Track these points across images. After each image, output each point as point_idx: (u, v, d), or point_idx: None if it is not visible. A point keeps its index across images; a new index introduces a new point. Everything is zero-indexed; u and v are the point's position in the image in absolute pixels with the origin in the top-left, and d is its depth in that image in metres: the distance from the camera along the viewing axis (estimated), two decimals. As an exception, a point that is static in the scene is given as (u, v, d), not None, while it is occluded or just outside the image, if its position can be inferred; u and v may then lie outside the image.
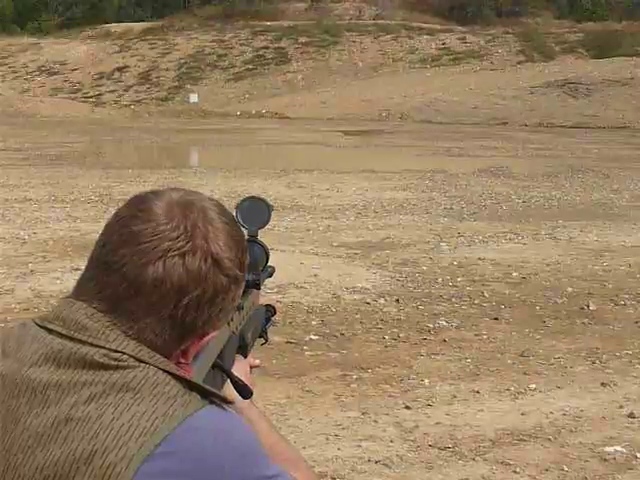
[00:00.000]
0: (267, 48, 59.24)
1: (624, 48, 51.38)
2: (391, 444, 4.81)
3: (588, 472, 4.51)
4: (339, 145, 27.93)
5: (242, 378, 1.40)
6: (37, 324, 1.20)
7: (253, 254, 1.63)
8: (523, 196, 15.36)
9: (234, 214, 1.63)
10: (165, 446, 1.10)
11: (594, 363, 6.26)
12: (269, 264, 1.74)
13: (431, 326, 7.12)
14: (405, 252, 10.16)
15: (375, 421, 5.13)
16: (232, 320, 1.46)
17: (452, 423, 5.12)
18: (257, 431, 1.38)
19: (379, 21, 62.89)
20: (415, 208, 13.76)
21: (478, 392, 5.64)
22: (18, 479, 1.12)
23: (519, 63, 53.84)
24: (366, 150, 26.51)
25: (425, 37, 58.99)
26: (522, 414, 5.28)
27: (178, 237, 1.17)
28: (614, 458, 4.67)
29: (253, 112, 44.07)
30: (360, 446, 4.78)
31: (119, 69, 58.67)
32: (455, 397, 5.55)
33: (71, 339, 1.16)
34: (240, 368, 1.47)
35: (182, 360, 1.22)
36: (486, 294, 8.17)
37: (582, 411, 5.33)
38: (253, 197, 1.70)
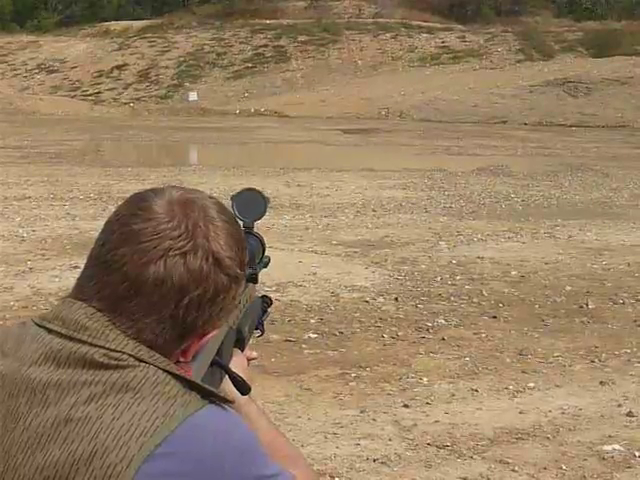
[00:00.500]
0: (266, 46, 59.21)
1: (623, 47, 51.38)
2: (389, 442, 4.82)
3: (587, 471, 4.51)
4: (338, 143, 27.93)
5: (240, 373, 1.39)
6: (36, 324, 1.20)
7: (249, 246, 1.62)
8: (522, 195, 15.36)
9: (230, 206, 1.63)
10: (165, 446, 1.10)
11: (593, 362, 6.27)
12: (265, 255, 1.74)
13: (430, 325, 7.12)
14: (404, 251, 10.16)
15: (374, 419, 5.13)
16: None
17: (451, 422, 5.12)
18: (256, 428, 1.38)
19: (378, 20, 62.86)
20: (414, 207, 13.76)
21: (477, 391, 5.64)
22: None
23: (518, 62, 53.83)
24: (365, 149, 26.51)
25: (424, 36, 58.98)
26: (521, 413, 5.28)
27: (179, 236, 1.16)
28: (612, 457, 4.68)
29: (252, 110, 44.06)
30: (359, 444, 4.78)
31: (118, 67, 58.64)
32: (454, 396, 5.55)
33: (71, 339, 1.15)
34: (238, 362, 1.47)
35: (182, 359, 1.22)
36: (485, 293, 8.17)
37: (581, 410, 5.33)
38: (249, 189, 1.69)
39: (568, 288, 8.41)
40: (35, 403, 1.14)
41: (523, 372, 6.02)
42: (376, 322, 7.19)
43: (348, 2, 67.82)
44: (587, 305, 7.76)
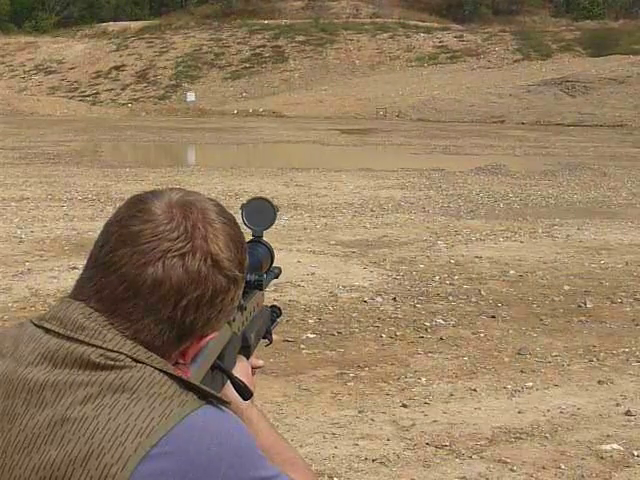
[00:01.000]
0: (264, 47, 59.24)
1: (621, 46, 51.43)
2: (388, 442, 4.82)
3: (585, 470, 4.51)
4: (336, 143, 27.94)
5: (243, 379, 1.39)
6: (34, 324, 1.20)
7: (257, 255, 1.62)
8: (520, 194, 15.37)
9: (240, 214, 1.63)
10: (162, 447, 1.09)
11: (591, 361, 6.27)
12: (275, 265, 1.73)
13: (428, 324, 7.12)
14: (402, 250, 10.16)
15: (372, 419, 5.14)
16: (234, 321, 1.45)
17: (449, 421, 5.12)
18: (256, 431, 1.38)
19: (376, 19, 62.90)
20: (412, 206, 13.77)
21: (475, 390, 5.64)
22: None
23: (516, 61, 53.87)
24: (363, 148, 26.52)
25: (422, 35, 59.00)
26: (519, 412, 5.28)
27: (178, 238, 1.16)
28: (611, 456, 4.68)
29: (250, 110, 44.07)
30: (357, 444, 4.78)
31: (116, 68, 58.64)
32: (452, 395, 5.56)
33: (68, 339, 1.15)
34: (242, 369, 1.47)
35: (181, 361, 1.22)
36: (483, 292, 8.17)
37: (579, 409, 5.34)
38: (259, 198, 1.69)
39: (566, 287, 8.42)
40: (32, 403, 1.13)
41: (521, 371, 6.02)
42: (374, 322, 7.19)
43: (346, 2, 67.86)
44: (585, 304, 7.76)
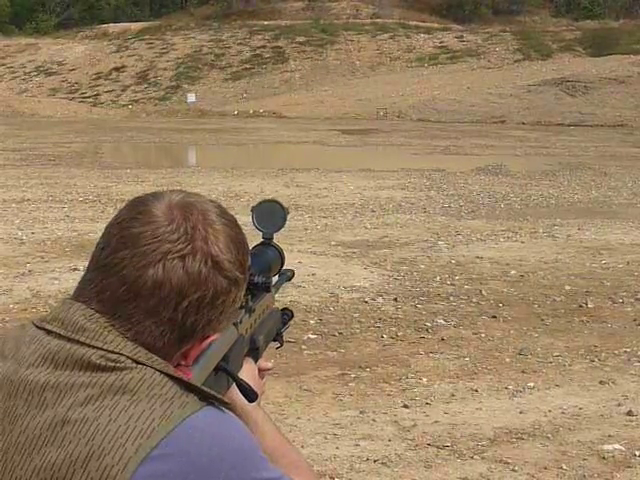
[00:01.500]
0: (264, 47, 59.25)
1: (621, 46, 51.42)
2: (389, 443, 4.82)
3: (587, 470, 4.51)
4: (337, 144, 27.94)
5: (249, 381, 1.39)
6: (36, 325, 1.20)
7: (267, 257, 1.62)
8: (521, 194, 15.37)
9: (250, 217, 1.63)
10: (162, 448, 1.09)
11: (592, 361, 6.27)
12: (288, 268, 1.73)
13: (429, 325, 7.12)
14: (403, 251, 10.16)
15: (373, 420, 5.13)
16: (241, 323, 1.45)
17: (450, 422, 5.12)
18: (262, 433, 1.38)
19: (376, 20, 62.90)
20: (413, 207, 13.77)
21: (476, 391, 5.64)
22: None
23: (516, 61, 53.87)
24: (364, 149, 26.52)
25: (422, 36, 59.00)
26: (520, 412, 5.28)
27: (178, 239, 1.16)
28: (613, 456, 4.68)
29: (251, 111, 44.08)
30: (358, 445, 4.78)
31: (117, 69, 58.66)
32: (453, 396, 5.55)
33: (69, 340, 1.15)
34: (248, 371, 1.46)
35: (183, 362, 1.21)
36: (484, 292, 8.17)
37: (580, 409, 5.33)
38: (269, 200, 1.68)
39: (567, 287, 8.41)
40: (32, 405, 1.13)
41: (523, 372, 6.02)
42: (375, 322, 7.19)
43: (346, 3, 67.89)
44: (586, 304, 7.76)
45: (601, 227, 11.84)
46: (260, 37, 60.34)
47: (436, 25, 60.90)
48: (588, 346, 6.62)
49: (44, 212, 12.80)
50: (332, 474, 4.45)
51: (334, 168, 19.54)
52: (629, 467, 4.57)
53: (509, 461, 4.58)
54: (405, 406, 5.35)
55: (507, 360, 6.27)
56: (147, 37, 62.24)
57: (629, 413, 5.25)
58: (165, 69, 57.88)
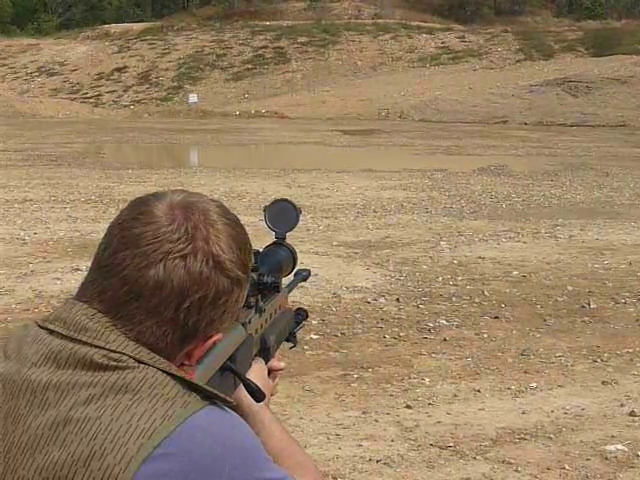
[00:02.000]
0: (266, 48, 59.26)
1: (623, 46, 51.40)
2: (392, 443, 4.81)
3: (589, 471, 4.50)
4: (339, 144, 27.94)
5: (257, 381, 1.39)
6: (38, 325, 1.20)
7: (278, 257, 1.61)
8: (523, 195, 15.36)
9: (263, 216, 1.63)
10: (164, 447, 1.09)
11: (595, 362, 6.26)
12: (304, 268, 1.72)
13: (431, 325, 7.11)
14: (405, 251, 10.16)
15: (376, 420, 5.13)
16: (249, 322, 1.44)
17: (453, 422, 5.11)
18: (268, 433, 1.38)
19: (378, 20, 62.91)
20: (415, 207, 13.76)
21: (479, 391, 5.64)
22: None
23: (518, 62, 53.86)
24: (365, 149, 26.52)
25: (424, 36, 59.00)
26: (523, 413, 5.27)
27: (179, 239, 1.16)
28: (615, 457, 4.67)
29: (252, 112, 44.08)
30: (361, 445, 4.78)
31: (118, 69, 58.69)
32: (456, 396, 5.55)
33: (71, 340, 1.15)
34: (256, 371, 1.46)
35: (186, 362, 1.21)
36: (486, 293, 8.17)
37: (583, 410, 5.33)
38: (281, 199, 1.68)
39: (569, 288, 8.41)
40: (35, 404, 1.13)
41: (525, 372, 6.01)
42: (378, 323, 7.19)
43: (347, 3, 67.90)
44: (589, 305, 7.75)
45: (603, 227, 11.83)
46: (262, 37, 60.36)
47: (438, 25, 60.89)
48: (590, 346, 6.61)
49: (46, 212, 12.81)
50: (335, 474, 4.44)
51: (336, 168, 19.54)
52: (632, 467, 4.56)
53: (512, 461, 4.58)
54: (408, 406, 5.35)
55: (509, 360, 6.26)
56: (149, 37, 62.28)
57: (632, 413, 5.24)
58: (167, 69, 57.91)
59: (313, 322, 7.16)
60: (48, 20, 70.60)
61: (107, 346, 1.14)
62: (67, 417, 1.11)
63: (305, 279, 1.75)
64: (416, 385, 5.74)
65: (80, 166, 19.90)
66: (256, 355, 1.49)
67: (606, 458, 4.65)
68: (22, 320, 6.85)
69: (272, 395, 1.57)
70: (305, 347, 6.50)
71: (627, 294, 8.18)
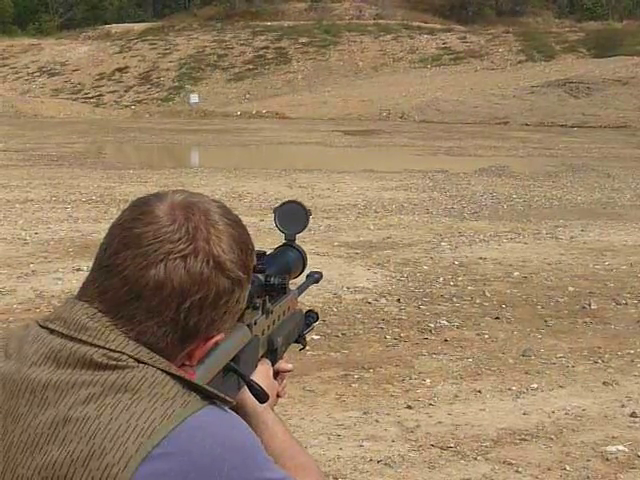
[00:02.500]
0: (267, 48, 59.25)
1: (625, 47, 51.38)
2: (393, 444, 4.81)
3: (590, 472, 4.50)
4: (340, 145, 27.93)
5: (261, 382, 1.39)
6: (39, 324, 1.20)
7: (287, 258, 1.61)
8: (524, 195, 15.35)
9: (273, 218, 1.62)
10: (163, 447, 1.09)
11: (596, 362, 6.26)
12: (316, 270, 1.72)
13: (432, 326, 7.11)
14: (406, 252, 10.15)
15: (377, 421, 5.13)
16: (255, 324, 1.43)
17: (454, 423, 5.11)
18: (271, 434, 1.38)
19: (379, 21, 62.90)
20: (416, 208, 13.76)
21: (480, 392, 5.63)
22: None
23: (519, 62, 53.84)
24: (366, 150, 26.52)
25: (425, 37, 58.98)
26: (524, 413, 5.27)
27: (180, 239, 1.16)
28: (616, 457, 4.67)
29: (253, 112, 44.07)
30: (362, 446, 4.78)
31: (120, 70, 58.69)
32: (457, 397, 5.55)
33: (71, 339, 1.15)
34: (261, 372, 1.46)
35: (187, 363, 1.21)
36: (487, 293, 8.17)
37: (584, 410, 5.33)
38: (291, 201, 1.67)
39: (570, 289, 8.40)
40: (34, 403, 1.13)
41: (526, 373, 6.01)
42: (378, 323, 7.19)
43: (349, 3, 67.89)
44: (590, 306, 7.75)
45: (604, 228, 11.83)
46: (263, 38, 60.35)
47: (439, 26, 60.86)
48: (591, 347, 6.61)
49: (47, 212, 12.81)
50: (336, 475, 4.44)
51: (337, 169, 19.53)
52: (633, 468, 4.56)
53: (512, 462, 4.58)
54: (408, 407, 5.35)
55: (510, 361, 6.26)
56: (150, 38, 62.26)
57: (633, 414, 5.24)
58: (168, 70, 57.91)
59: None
60: (49, 20, 70.60)
61: (107, 345, 1.14)
62: (66, 416, 1.11)
63: (317, 281, 1.75)
64: (417, 385, 5.74)
65: (81, 166, 19.90)
66: (263, 356, 1.48)
67: (607, 459, 4.65)
68: (23, 320, 6.85)
69: (279, 397, 1.57)
70: (306, 347, 6.49)
71: (628, 295, 8.18)
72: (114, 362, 1.13)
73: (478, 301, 7.90)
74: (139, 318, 1.15)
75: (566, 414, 5.26)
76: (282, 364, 1.57)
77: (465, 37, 58.50)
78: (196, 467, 1.09)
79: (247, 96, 52.61)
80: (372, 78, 52.98)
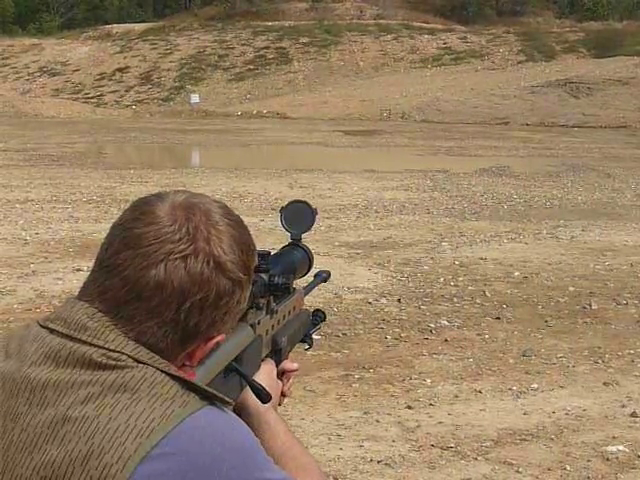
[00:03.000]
0: (268, 48, 59.26)
1: (625, 47, 51.39)
2: (393, 444, 4.81)
3: (590, 472, 4.50)
4: (340, 145, 27.94)
5: (264, 382, 1.38)
6: (40, 324, 1.20)
7: (292, 258, 1.60)
8: (524, 195, 15.36)
9: (279, 218, 1.62)
10: (162, 447, 1.09)
11: (596, 362, 6.26)
12: (324, 269, 1.71)
13: (433, 326, 7.11)
14: (407, 252, 10.15)
15: (377, 421, 5.13)
16: (259, 324, 1.43)
17: (454, 423, 5.11)
18: (273, 434, 1.38)
19: (380, 21, 62.89)
20: (416, 208, 13.76)
21: (480, 392, 5.63)
22: None
23: (520, 63, 53.84)
24: (367, 150, 26.52)
25: (426, 37, 58.98)
26: (524, 414, 5.27)
27: (180, 240, 1.15)
28: (616, 457, 4.67)
29: (254, 112, 44.08)
30: (362, 446, 4.78)
31: (120, 70, 58.70)
32: (457, 397, 5.55)
33: (71, 339, 1.15)
34: (264, 372, 1.45)
35: (187, 363, 1.21)
36: (488, 294, 8.17)
37: (584, 410, 5.33)
38: (297, 200, 1.67)
39: (571, 289, 8.40)
40: (34, 403, 1.13)
41: (526, 373, 6.01)
42: (379, 323, 7.19)
43: (350, 3, 67.90)
44: (590, 306, 7.75)
45: (605, 228, 11.83)
46: (264, 38, 60.36)
47: (440, 26, 60.88)
48: (592, 347, 6.61)
49: (48, 212, 12.81)
50: (336, 475, 4.44)
51: (338, 169, 19.54)
52: (633, 468, 4.56)
53: (513, 462, 4.58)
54: (409, 407, 5.35)
55: (511, 361, 6.26)
56: (151, 38, 62.28)
57: (633, 414, 5.24)
58: (169, 70, 57.92)
59: (314, 322, 7.16)
60: (50, 20, 70.61)
61: (106, 345, 1.14)
62: (65, 416, 1.11)
63: (325, 280, 1.74)
64: (417, 386, 5.74)
65: (82, 166, 19.91)
66: (267, 356, 1.48)
67: (607, 459, 4.65)
68: (23, 320, 6.85)
69: (285, 396, 1.56)
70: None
71: (628, 295, 8.18)
72: (113, 362, 1.13)
73: (478, 301, 7.90)
74: (139, 318, 1.15)
75: (566, 414, 5.26)
76: (287, 364, 1.56)
77: (466, 37, 58.51)
78: (195, 467, 1.09)
79: (248, 96, 52.61)
80: (373, 78, 52.98)
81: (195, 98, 47.80)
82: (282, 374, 1.54)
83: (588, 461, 4.62)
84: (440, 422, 5.12)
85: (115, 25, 65.98)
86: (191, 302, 1.15)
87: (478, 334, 6.91)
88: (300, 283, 1.67)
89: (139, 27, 64.70)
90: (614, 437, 4.92)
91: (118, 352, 1.13)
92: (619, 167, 20.68)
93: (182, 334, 1.17)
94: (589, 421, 5.16)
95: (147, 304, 1.15)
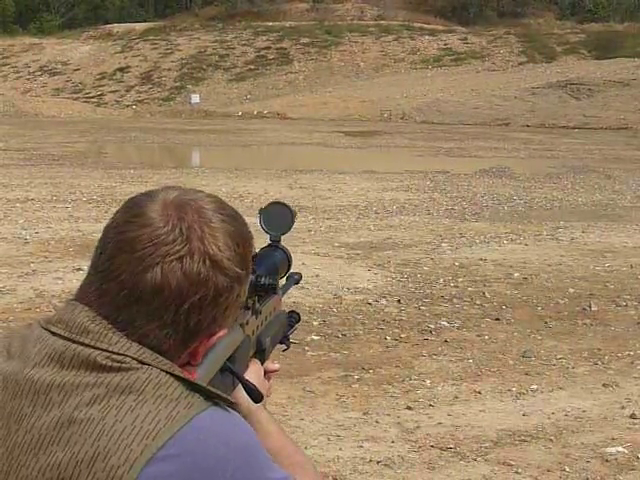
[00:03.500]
0: (269, 48, 59.25)
1: (626, 49, 51.40)
2: (392, 444, 4.81)
3: (590, 473, 4.50)
4: (340, 146, 27.94)
5: (254, 382, 1.39)
6: (41, 326, 1.20)
7: (274, 259, 1.61)
8: (525, 197, 15.36)
9: (258, 219, 1.62)
10: (168, 449, 1.09)
11: (596, 364, 6.26)
12: (295, 271, 1.73)
13: (432, 327, 7.12)
14: (406, 253, 10.16)
15: (377, 421, 5.13)
16: (247, 324, 1.44)
17: (454, 424, 5.12)
18: (266, 433, 1.38)
19: (381, 22, 62.89)
20: (416, 209, 13.76)
21: (480, 393, 5.64)
22: None
23: (521, 64, 53.84)
24: (367, 151, 26.52)
25: (427, 38, 58.97)
26: (524, 415, 5.28)
27: (174, 241, 1.14)
28: (616, 459, 4.67)
29: (255, 112, 44.07)
30: (362, 447, 4.78)
31: (121, 69, 58.70)
32: (457, 398, 5.55)
33: (74, 342, 1.15)
34: (253, 372, 1.46)
35: (191, 361, 1.21)
36: (487, 295, 8.17)
37: (584, 412, 5.33)
38: (277, 202, 1.68)
39: (571, 290, 8.41)
40: (38, 404, 1.13)
41: (526, 374, 6.01)
42: (379, 324, 7.19)
43: (350, 4, 67.90)
44: (590, 307, 7.75)
45: (605, 230, 11.83)
46: (264, 38, 60.35)
47: (440, 27, 60.86)
48: (592, 349, 6.61)
49: (48, 212, 12.81)
50: (335, 475, 4.44)
51: (338, 169, 19.54)
52: (632, 470, 4.56)
53: (512, 463, 4.58)
54: (408, 408, 5.35)
55: (510, 362, 6.26)
56: (151, 38, 62.27)
57: (632, 416, 5.24)
58: (169, 70, 57.91)
59: (314, 323, 7.17)
60: (51, 20, 70.61)
61: (110, 348, 1.13)
62: (71, 417, 1.11)
63: (297, 282, 1.76)
64: (417, 386, 5.74)
65: (82, 166, 19.91)
66: (252, 357, 1.49)
67: (606, 460, 4.66)
68: (23, 319, 6.86)
69: (268, 396, 1.57)
70: (306, 348, 6.50)
71: (628, 297, 8.18)
72: (118, 364, 1.13)
73: (478, 302, 7.91)
74: (140, 322, 1.15)
75: (566, 415, 5.27)
76: (269, 364, 1.57)
77: (466, 38, 58.50)
78: (200, 468, 1.10)
79: (248, 96, 52.61)
80: (373, 79, 52.98)
81: (195, 98, 47.78)
82: (264, 374, 1.55)
83: (587, 462, 4.62)
84: (440, 423, 5.12)
85: (116, 25, 65.96)
86: (190, 303, 1.15)
87: (478, 335, 6.92)
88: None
89: (140, 27, 64.69)
90: (613, 438, 4.93)
91: (122, 354, 1.13)
92: (619, 168, 20.68)
93: (184, 334, 1.17)
94: (588, 422, 5.16)
95: (146, 307, 1.14)
